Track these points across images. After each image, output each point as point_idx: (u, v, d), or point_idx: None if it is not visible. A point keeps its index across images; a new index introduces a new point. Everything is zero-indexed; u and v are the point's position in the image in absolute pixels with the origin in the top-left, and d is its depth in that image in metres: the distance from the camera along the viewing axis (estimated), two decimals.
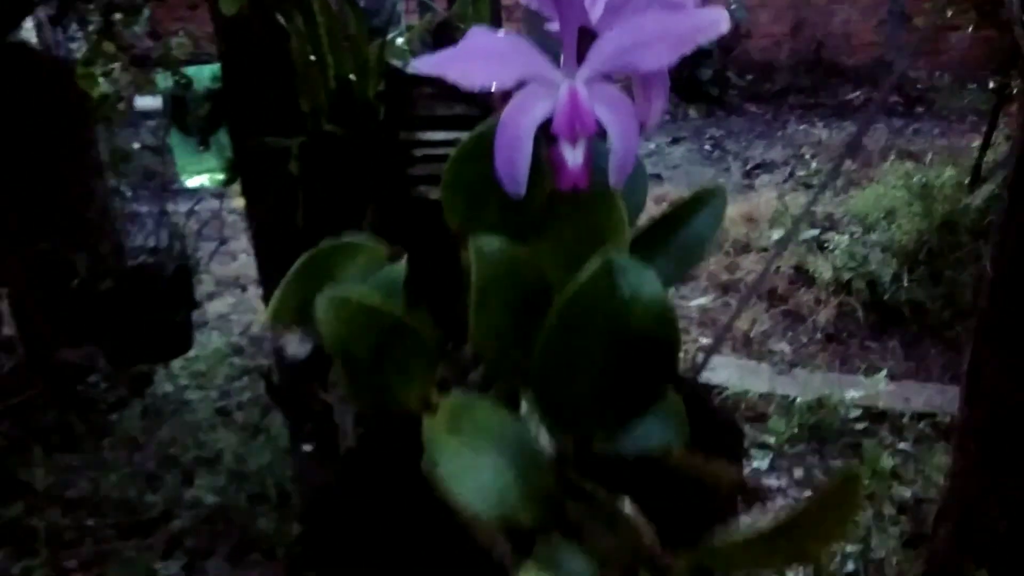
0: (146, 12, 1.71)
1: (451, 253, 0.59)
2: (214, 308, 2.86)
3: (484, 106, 1.01)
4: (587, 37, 0.43)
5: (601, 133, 0.44)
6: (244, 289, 3.05)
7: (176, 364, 2.33)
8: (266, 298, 1.70)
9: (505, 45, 0.43)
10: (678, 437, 0.42)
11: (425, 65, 0.42)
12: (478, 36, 0.43)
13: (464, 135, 0.86)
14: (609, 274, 0.40)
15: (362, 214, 1.37)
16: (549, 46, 0.47)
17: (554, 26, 0.45)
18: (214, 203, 2.28)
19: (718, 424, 0.54)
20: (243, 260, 3.14)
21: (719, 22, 0.40)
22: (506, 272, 0.44)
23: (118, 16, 1.56)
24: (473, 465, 0.40)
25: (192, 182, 1.90)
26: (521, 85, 0.43)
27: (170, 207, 1.98)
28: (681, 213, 0.51)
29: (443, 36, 1.42)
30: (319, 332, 0.43)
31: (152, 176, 1.89)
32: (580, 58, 0.43)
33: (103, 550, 1.66)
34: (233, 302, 2.92)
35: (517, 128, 0.43)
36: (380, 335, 0.43)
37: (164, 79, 1.65)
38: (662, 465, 0.41)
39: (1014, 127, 2.80)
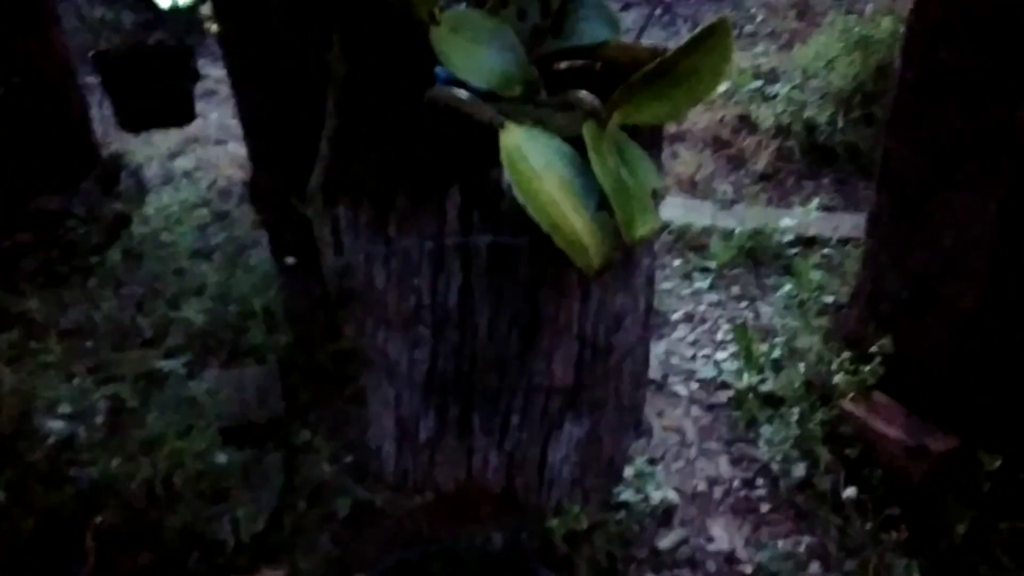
0: None
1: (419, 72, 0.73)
2: (179, 164, 2.93)
3: None
4: None
5: None
6: (206, 146, 3.10)
7: (149, 210, 2.43)
8: (242, 117, 1.79)
9: None
10: (612, 32, 0.58)
11: None
12: None
13: None
14: None
15: (331, 33, 1.46)
16: None
17: None
18: None
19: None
20: (200, 121, 3.17)
21: None
22: None
23: None
24: (475, 52, 0.55)
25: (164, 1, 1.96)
26: None
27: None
28: (686, 49, 0.64)
29: None
30: None
31: None
32: None
33: (104, 360, 1.81)
34: (196, 159, 2.98)
35: None
36: None
37: None
38: (602, 53, 0.57)
39: None
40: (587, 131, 0.56)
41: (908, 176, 1.52)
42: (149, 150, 2.85)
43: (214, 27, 1.57)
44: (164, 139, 3.02)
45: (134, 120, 2.22)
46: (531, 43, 0.59)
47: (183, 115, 2.27)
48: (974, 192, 1.47)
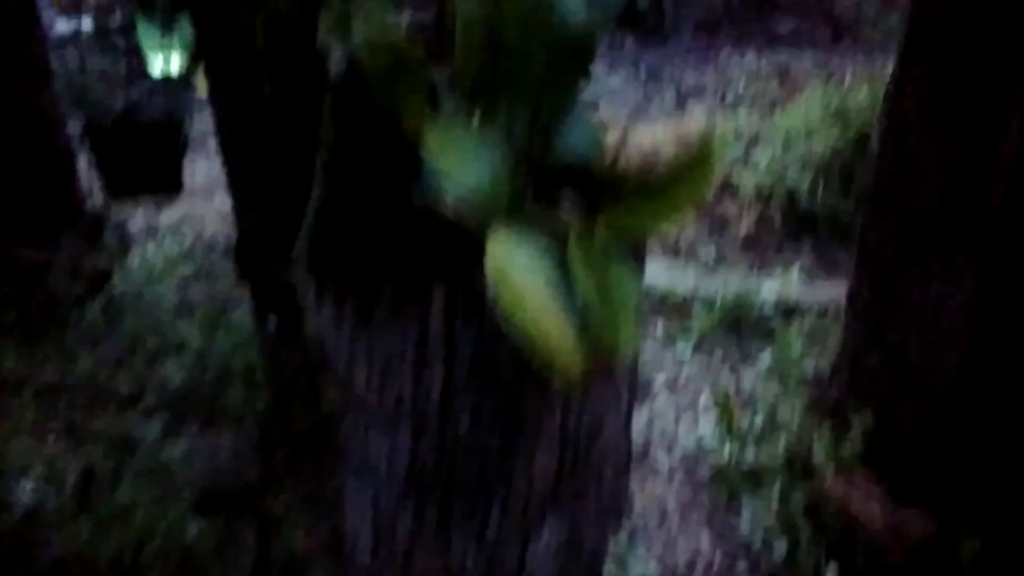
0: None
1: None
2: (165, 218, 2.92)
3: None
4: None
5: None
6: (192, 199, 3.10)
7: (132, 264, 2.42)
8: (230, 175, 1.79)
9: None
10: (596, 149, 0.59)
11: None
12: None
13: (424, 16, 1.03)
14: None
15: (322, 96, 1.48)
16: None
17: None
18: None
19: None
20: (188, 172, 3.18)
21: None
22: (480, 15, 0.60)
23: None
24: (462, 163, 0.56)
25: (157, 65, 1.97)
26: None
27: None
28: None
29: None
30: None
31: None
32: None
33: (79, 422, 1.78)
34: (182, 212, 2.98)
35: None
36: (393, 60, 0.59)
37: None
38: (587, 168, 0.58)
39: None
40: (572, 245, 0.58)
41: (885, 253, 1.55)
42: (134, 203, 2.85)
43: (203, 90, 1.59)
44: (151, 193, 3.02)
45: (121, 190, 2.22)
46: (517, 159, 0.61)
47: (171, 184, 2.28)
48: (950, 271, 1.50)
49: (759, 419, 1.94)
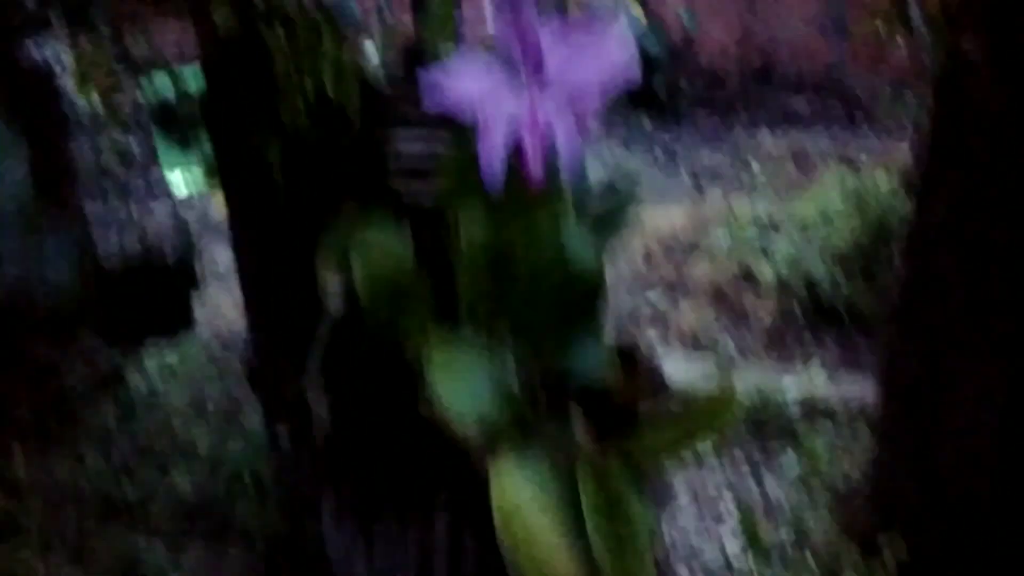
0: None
1: (427, 258, 0.73)
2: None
3: (451, 115, 1.16)
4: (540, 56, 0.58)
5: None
6: (211, 291, 3.11)
7: (147, 360, 2.41)
8: (245, 293, 1.79)
9: (476, 69, 0.57)
10: (612, 371, 0.56)
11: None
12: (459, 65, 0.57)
13: (439, 148, 1.02)
14: (559, 238, 0.54)
15: (338, 213, 1.48)
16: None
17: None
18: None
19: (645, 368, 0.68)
20: (208, 261, 3.20)
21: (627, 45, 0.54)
22: (484, 242, 0.59)
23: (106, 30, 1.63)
24: (462, 384, 0.54)
25: (175, 180, 1.98)
26: (493, 100, 0.57)
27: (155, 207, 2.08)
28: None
29: (414, 58, 1.54)
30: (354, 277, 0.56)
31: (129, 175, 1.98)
32: (537, 75, 0.57)
33: (85, 536, 1.74)
34: (200, 305, 2.98)
35: (491, 127, 0.57)
36: (394, 293, 0.57)
37: (150, 81, 1.72)
38: (598, 386, 0.56)
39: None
40: (582, 474, 0.54)
41: (911, 372, 1.50)
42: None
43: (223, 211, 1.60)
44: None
45: (126, 336, 2.21)
46: (525, 382, 0.59)
47: (181, 324, 2.27)
48: (979, 390, 1.45)
49: (785, 532, 1.87)
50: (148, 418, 2.17)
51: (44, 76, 1.73)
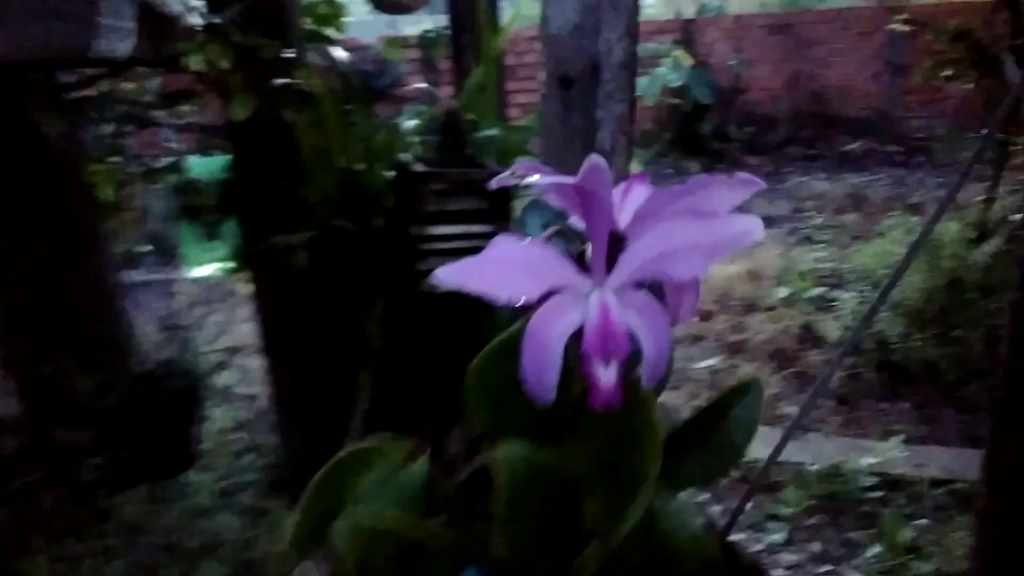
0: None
1: (461, 346, 0.57)
2: (221, 379, 2.83)
3: (494, 199, 1.01)
4: (615, 241, 0.42)
5: None
6: (251, 355, 3.02)
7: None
8: (274, 382, 1.67)
9: (530, 255, 0.42)
10: None
11: (448, 277, 0.41)
12: (502, 246, 0.42)
13: (475, 228, 0.84)
14: (650, 520, 0.38)
15: (371, 306, 1.36)
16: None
17: (578, 222, 0.44)
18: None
19: None
20: (249, 327, 3.12)
21: (752, 233, 0.39)
22: (534, 480, 0.43)
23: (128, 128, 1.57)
24: None
25: (200, 272, 1.89)
26: (549, 294, 0.42)
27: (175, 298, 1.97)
28: (717, 407, 0.50)
29: (451, 127, 1.43)
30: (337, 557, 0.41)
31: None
32: (610, 264, 0.42)
33: None
34: (240, 374, 2.89)
35: (545, 340, 0.42)
36: (399, 556, 0.42)
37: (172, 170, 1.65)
38: None
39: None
40: None
41: (1019, 461, 1.30)
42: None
43: (240, 289, 1.49)
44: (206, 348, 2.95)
45: (121, 478, 2.06)
46: None
47: (182, 463, 2.12)
48: None
49: None
50: (176, 506, 2.05)
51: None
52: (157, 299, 2.20)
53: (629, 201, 0.45)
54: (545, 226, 0.47)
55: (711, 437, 0.49)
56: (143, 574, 1.85)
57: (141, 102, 1.47)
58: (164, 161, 1.58)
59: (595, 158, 0.40)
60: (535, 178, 0.44)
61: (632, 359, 0.43)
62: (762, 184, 0.42)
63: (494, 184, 0.47)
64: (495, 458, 0.42)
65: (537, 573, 0.42)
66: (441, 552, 0.43)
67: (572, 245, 0.44)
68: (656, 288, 0.44)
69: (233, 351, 3.09)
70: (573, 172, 0.48)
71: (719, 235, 0.40)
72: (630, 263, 0.41)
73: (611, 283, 0.42)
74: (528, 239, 0.43)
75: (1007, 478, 1.35)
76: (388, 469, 0.49)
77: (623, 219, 0.44)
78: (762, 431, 2.05)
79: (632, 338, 0.42)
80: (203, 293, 2.99)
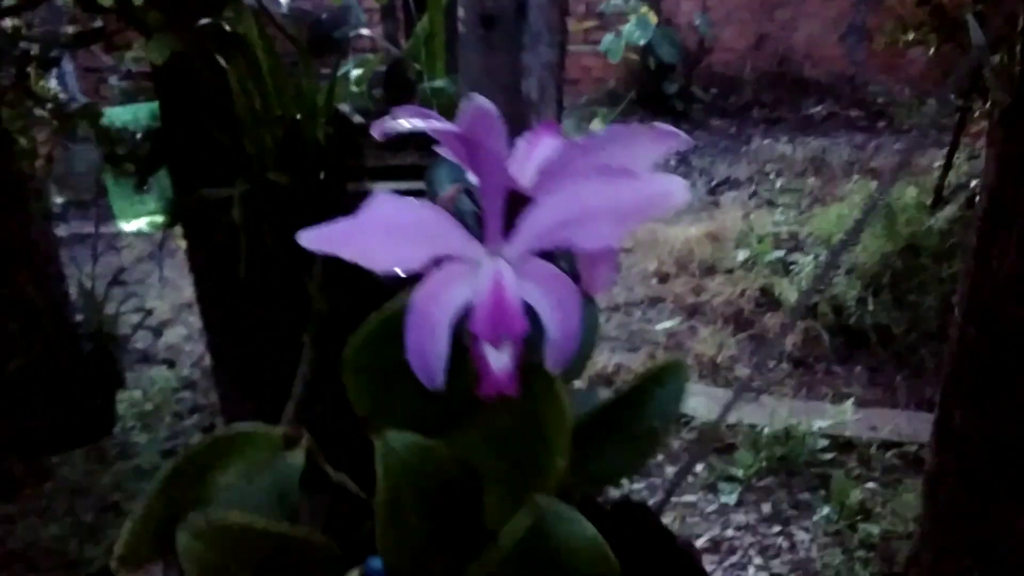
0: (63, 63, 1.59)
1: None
2: (165, 339, 2.75)
3: (437, 155, 0.94)
4: (519, 202, 0.37)
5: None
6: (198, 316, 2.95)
7: (123, 403, 2.23)
8: (212, 346, 1.61)
9: (414, 217, 0.36)
10: None
11: (317, 241, 0.36)
12: (381, 206, 0.36)
13: (416, 185, 0.78)
14: (540, 527, 0.34)
15: (309, 266, 1.30)
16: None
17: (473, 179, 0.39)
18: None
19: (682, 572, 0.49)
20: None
21: (673, 194, 0.34)
22: (422, 474, 0.38)
23: (31, 69, 1.46)
24: None
25: (130, 226, 1.79)
26: (436, 263, 0.37)
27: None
28: (635, 393, 0.46)
29: (395, 78, 1.36)
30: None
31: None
32: (509, 229, 0.36)
33: None
34: (186, 332, 2.81)
35: (430, 316, 0.36)
36: (264, 558, 0.37)
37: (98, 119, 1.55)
38: None
39: (981, 147, 2.81)
40: None
41: (974, 439, 1.30)
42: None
43: (182, 244, 1.42)
44: (159, 308, 2.86)
45: (29, 444, 1.95)
46: None
47: (98, 430, 2.02)
48: None
49: None
50: (121, 464, 1.99)
51: None
52: (99, 254, 2.10)
53: (536, 155, 0.39)
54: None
55: (630, 424, 0.45)
56: (85, 533, 1.79)
57: (48, 41, 1.37)
58: (74, 106, 1.49)
59: (478, 100, 0.35)
60: (412, 124, 0.39)
61: (538, 339, 0.38)
62: (688, 140, 0.37)
63: (374, 132, 0.42)
64: (376, 450, 0.38)
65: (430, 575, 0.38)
66: (315, 552, 0.38)
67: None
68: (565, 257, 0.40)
69: (183, 308, 3.01)
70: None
71: (636, 197, 0.34)
72: (532, 228, 0.36)
73: (509, 252, 0.36)
74: (411, 199, 0.37)
75: (955, 440, 1.35)
76: (261, 455, 0.44)
77: (528, 176, 0.39)
78: (716, 392, 2.04)
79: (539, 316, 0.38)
80: (148, 248, 2.89)
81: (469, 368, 0.37)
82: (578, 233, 0.35)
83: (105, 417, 2.00)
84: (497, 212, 0.36)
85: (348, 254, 0.35)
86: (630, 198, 0.34)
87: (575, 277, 0.38)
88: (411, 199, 0.36)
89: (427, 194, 0.43)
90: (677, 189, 0.34)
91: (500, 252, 0.36)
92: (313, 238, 0.35)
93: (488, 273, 0.35)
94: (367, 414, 0.42)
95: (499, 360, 0.36)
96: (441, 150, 0.42)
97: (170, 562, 0.40)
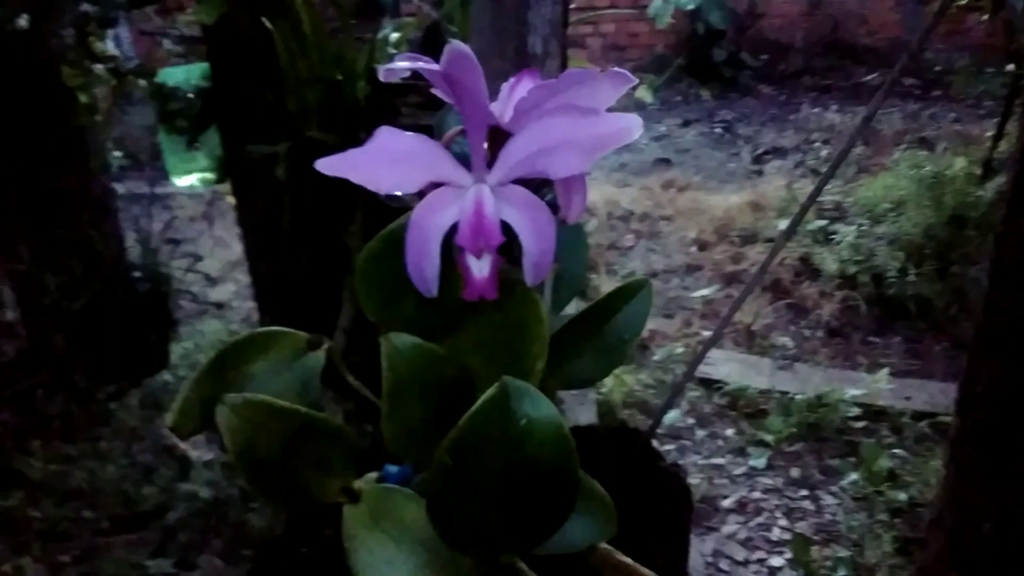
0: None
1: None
2: (216, 294, 2.86)
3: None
4: (501, 137, 0.42)
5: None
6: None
7: (176, 353, 2.34)
8: (258, 297, 1.69)
9: (412, 147, 0.42)
10: (602, 534, 0.42)
11: (332, 167, 0.41)
12: (384, 137, 0.42)
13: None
14: (504, 400, 0.39)
15: (349, 220, 1.36)
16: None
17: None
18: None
19: (667, 488, 0.53)
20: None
21: (630, 129, 0.39)
22: (421, 370, 0.44)
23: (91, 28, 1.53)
24: (393, 560, 0.39)
25: (182, 182, 1.87)
26: (434, 185, 0.42)
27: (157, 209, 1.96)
28: (605, 307, 0.50)
29: (432, 38, 1.40)
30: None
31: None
32: (492, 160, 0.42)
33: (96, 544, 1.67)
34: (235, 289, 2.92)
35: (425, 231, 0.42)
36: (290, 435, 0.43)
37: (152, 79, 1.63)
38: (583, 562, 0.41)
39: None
40: None
41: (998, 402, 1.31)
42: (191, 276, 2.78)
43: (232, 203, 1.48)
44: (211, 264, 2.97)
45: (91, 376, 2.07)
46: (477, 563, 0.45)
47: (152, 366, 2.14)
48: None
49: (842, 567, 1.70)
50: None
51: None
52: (154, 212, 2.20)
53: (515, 96, 0.44)
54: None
55: (601, 334, 0.50)
56: (140, 474, 1.90)
57: (106, 2, 1.44)
58: (130, 65, 1.56)
59: (456, 44, 0.40)
60: (402, 65, 0.44)
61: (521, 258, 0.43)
62: (633, 79, 0.42)
63: (380, 76, 0.47)
64: (381, 349, 0.43)
65: (427, 459, 0.44)
66: (339, 427, 0.44)
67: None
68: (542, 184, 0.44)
69: (234, 265, 3.11)
70: (505, 80, 0.48)
71: (597, 132, 0.40)
72: (509, 159, 0.41)
73: (490, 178, 0.42)
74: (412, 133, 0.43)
75: (978, 403, 1.37)
76: (288, 353, 0.50)
77: (507, 114, 0.44)
78: (752, 360, 2.07)
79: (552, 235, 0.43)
80: (201, 208, 2.99)
81: (459, 280, 0.43)
82: (548, 162, 0.40)
83: (159, 354, 2.13)
84: (480, 143, 0.42)
85: (357, 177, 0.41)
86: (592, 132, 0.39)
87: (556, 207, 0.43)
88: (410, 133, 0.42)
89: (435, 136, 0.48)
90: (633, 125, 0.39)
91: (483, 179, 0.42)
92: (329, 164, 0.41)
93: (471, 195, 0.41)
94: (375, 320, 0.47)
95: (480, 268, 0.42)
96: (442, 96, 0.47)
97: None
